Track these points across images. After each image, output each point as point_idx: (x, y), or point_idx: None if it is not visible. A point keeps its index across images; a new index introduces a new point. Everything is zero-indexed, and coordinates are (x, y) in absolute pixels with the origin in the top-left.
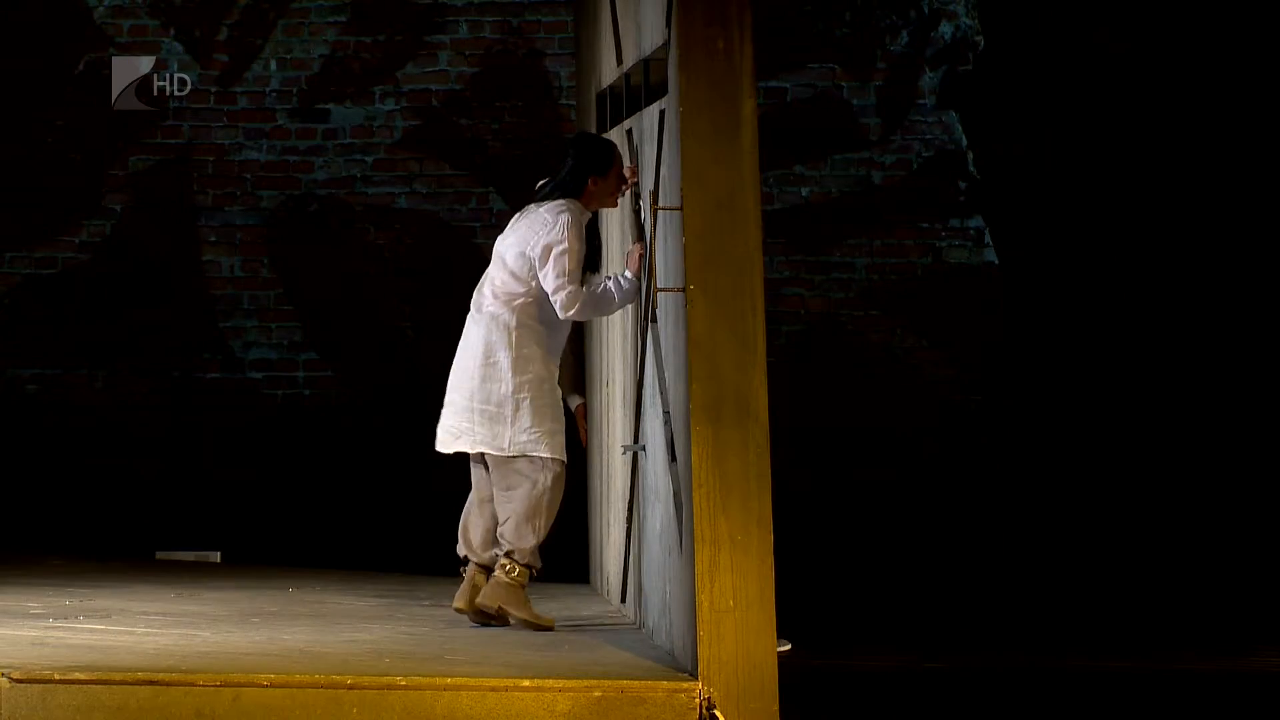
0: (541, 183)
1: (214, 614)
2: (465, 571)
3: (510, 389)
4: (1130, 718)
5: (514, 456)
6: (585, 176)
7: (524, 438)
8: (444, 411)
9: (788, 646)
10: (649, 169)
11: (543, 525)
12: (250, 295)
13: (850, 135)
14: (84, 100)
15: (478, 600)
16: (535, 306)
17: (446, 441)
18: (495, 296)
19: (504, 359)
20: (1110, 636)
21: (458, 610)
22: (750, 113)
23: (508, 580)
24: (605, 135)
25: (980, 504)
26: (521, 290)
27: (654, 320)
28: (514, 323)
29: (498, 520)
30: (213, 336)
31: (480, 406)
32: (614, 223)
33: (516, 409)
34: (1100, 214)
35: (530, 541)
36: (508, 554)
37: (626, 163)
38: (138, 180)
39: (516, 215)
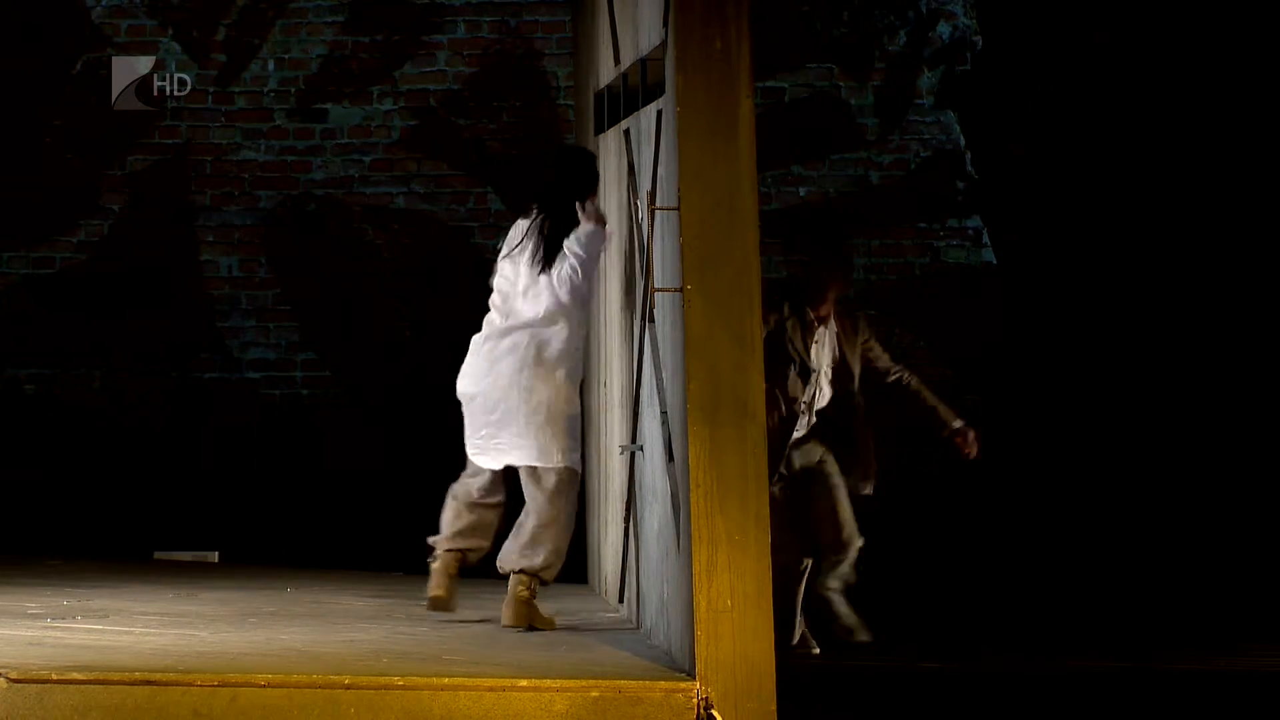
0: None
1: (212, 614)
2: (436, 565)
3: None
4: (1130, 718)
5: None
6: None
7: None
8: None
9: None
10: (646, 169)
11: (555, 536)
12: (248, 295)
13: (848, 135)
14: (82, 100)
15: (505, 623)
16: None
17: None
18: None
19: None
20: (1110, 636)
21: (434, 598)
22: (748, 112)
23: (528, 595)
24: (603, 134)
25: (979, 503)
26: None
27: (651, 320)
28: None
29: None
30: (210, 336)
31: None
32: (612, 223)
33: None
34: (1098, 213)
35: (544, 555)
36: (522, 570)
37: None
38: (135, 180)
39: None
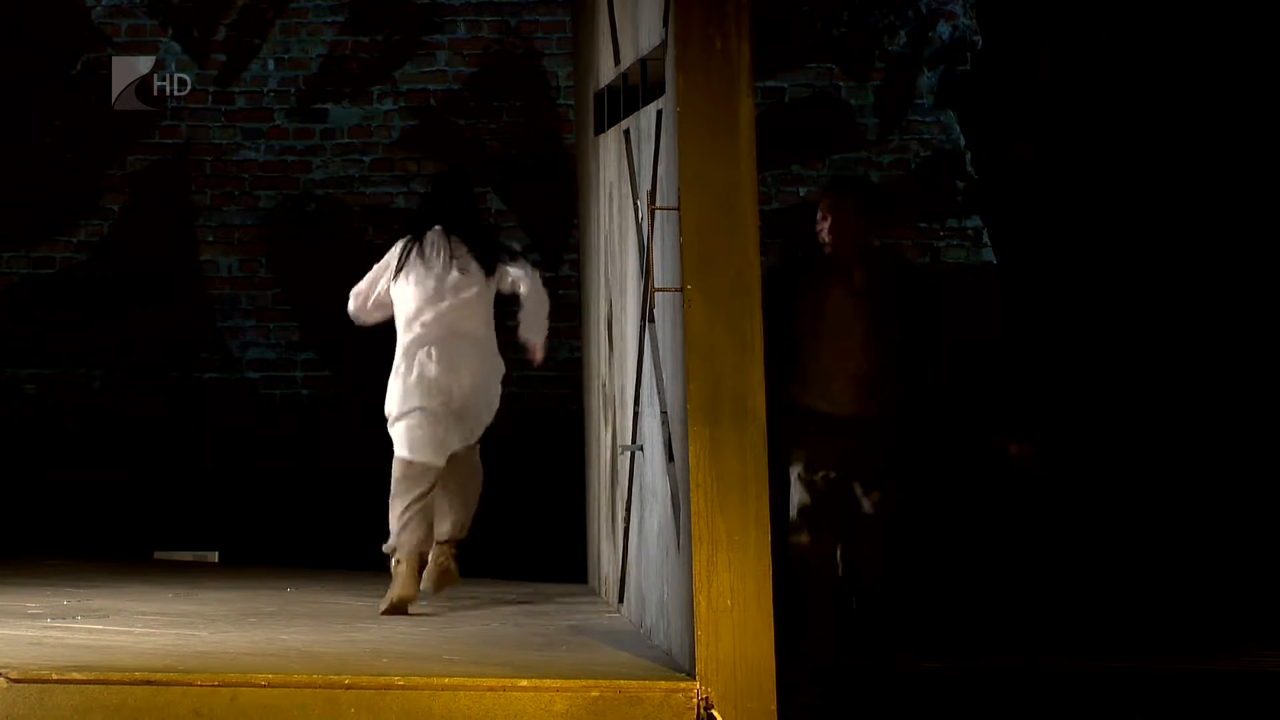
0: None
1: (212, 614)
2: (404, 568)
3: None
4: (1130, 718)
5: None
6: None
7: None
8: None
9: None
10: (646, 169)
11: (475, 501)
12: (248, 295)
13: (848, 135)
14: (82, 100)
15: (433, 589)
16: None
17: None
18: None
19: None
20: (1110, 636)
21: (405, 599)
22: (748, 112)
23: (453, 563)
24: (603, 134)
25: (979, 504)
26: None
27: (651, 320)
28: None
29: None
30: (211, 336)
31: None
32: (612, 224)
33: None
34: (1098, 213)
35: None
36: (453, 540)
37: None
38: (135, 180)
39: None
